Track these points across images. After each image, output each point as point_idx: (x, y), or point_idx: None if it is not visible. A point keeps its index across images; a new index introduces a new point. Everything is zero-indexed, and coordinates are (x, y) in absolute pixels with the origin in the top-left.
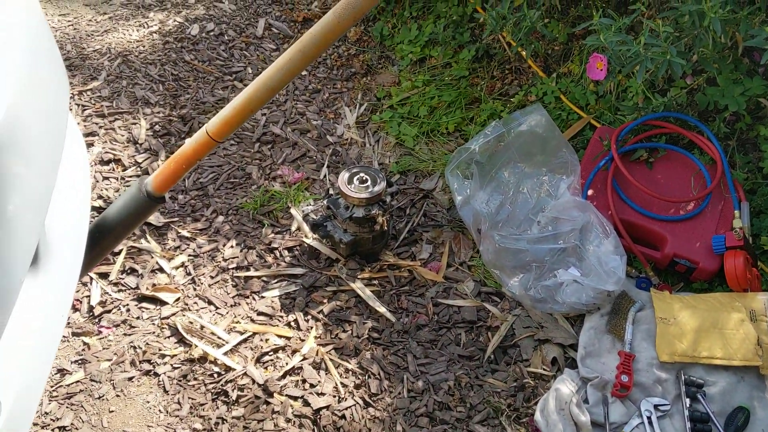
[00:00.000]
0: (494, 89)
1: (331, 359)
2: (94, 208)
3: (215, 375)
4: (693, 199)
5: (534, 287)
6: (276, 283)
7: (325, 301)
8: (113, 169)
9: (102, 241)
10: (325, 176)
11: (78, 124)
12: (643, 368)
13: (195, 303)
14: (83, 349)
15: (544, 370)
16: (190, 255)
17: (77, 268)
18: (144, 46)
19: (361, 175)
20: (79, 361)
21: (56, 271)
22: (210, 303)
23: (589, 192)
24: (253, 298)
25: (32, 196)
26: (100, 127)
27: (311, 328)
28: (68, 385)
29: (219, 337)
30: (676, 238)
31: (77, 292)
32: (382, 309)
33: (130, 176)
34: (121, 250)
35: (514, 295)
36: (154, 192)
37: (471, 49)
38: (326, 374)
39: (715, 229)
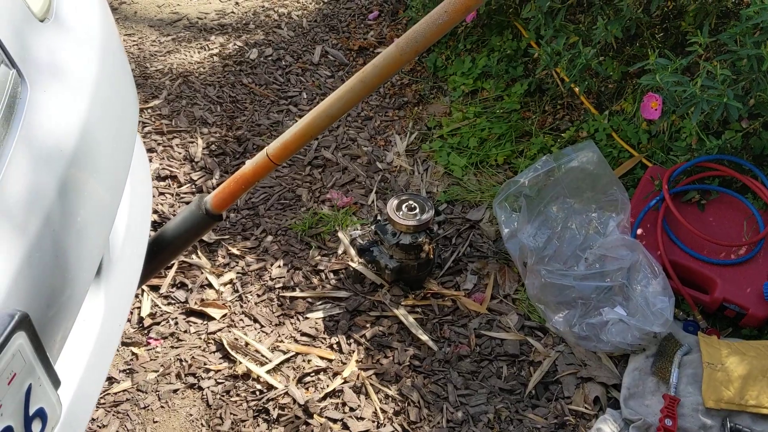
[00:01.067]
0: (545, 124)
1: (371, 384)
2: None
3: (257, 392)
4: (745, 244)
5: (579, 324)
6: (320, 304)
7: (367, 325)
8: (169, 185)
9: (159, 255)
10: (373, 202)
11: None
12: (688, 413)
13: (241, 320)
14: (131, 359)
15: (585, 408)
16: (238, 272)
17: (135, 280)
18: (204, 68)
19: (410, 202)
20: (127, 371)
21: (116, 283)
22: (255, 321)
23: (639, 231)
24: (298, 319)
25: (100, 208)
26: (159, 144)
27: (353, 351)
28: (115, 394)
29: (263, 355)
30: (726, 283)
31: None
32: (424, 337)
33: (185, 193)
34: (172, 264)
35: (558, 331)
36: (212, 210)
37: (524, 83)
38: (366, 399)
39: (767, 276)
